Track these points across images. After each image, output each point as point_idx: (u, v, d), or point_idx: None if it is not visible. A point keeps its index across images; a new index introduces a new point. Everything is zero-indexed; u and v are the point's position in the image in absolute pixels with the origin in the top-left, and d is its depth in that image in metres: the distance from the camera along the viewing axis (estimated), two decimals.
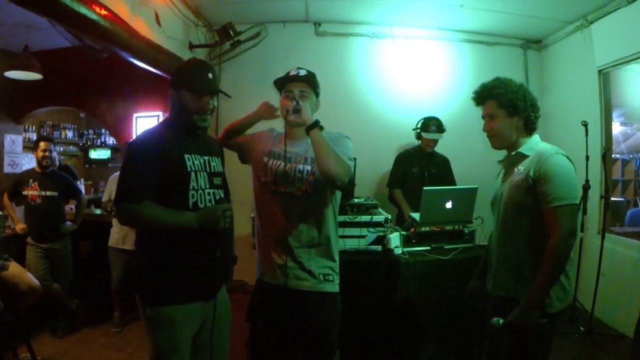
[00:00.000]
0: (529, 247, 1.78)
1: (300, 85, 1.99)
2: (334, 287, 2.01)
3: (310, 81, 2.01)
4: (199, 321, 1.82)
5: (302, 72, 2.01)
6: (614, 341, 3.40)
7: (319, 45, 4.70)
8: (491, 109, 1.85)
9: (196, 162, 1.79)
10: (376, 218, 2.84)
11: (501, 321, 1.73)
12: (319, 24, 4.68)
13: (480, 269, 2.15)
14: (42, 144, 3.65)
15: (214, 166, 1.89)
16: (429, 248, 2.89)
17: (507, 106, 1.82)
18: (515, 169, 1.84)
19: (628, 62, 3.70)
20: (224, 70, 4.64)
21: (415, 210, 2.95)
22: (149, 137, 1.79)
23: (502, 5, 4.08)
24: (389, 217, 2.91)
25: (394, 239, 2.81)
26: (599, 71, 3.97)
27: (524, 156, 1.83)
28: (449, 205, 2.87)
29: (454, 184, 3.76)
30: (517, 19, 4.33)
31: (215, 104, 1.84)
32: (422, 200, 2.85)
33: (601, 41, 3.93)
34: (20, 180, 3.69)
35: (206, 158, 1.86)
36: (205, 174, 1.81)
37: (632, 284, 3.50)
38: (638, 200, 5.30)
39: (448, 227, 2.97)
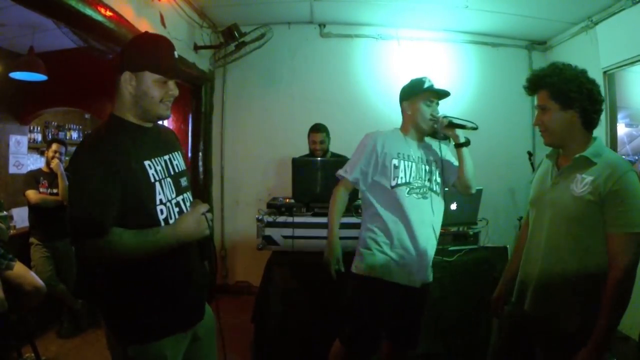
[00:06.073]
0: (578, 269, 1.57)
1: (437, 97, 2.24)
2: None
3: (443, 98, 2.26)
4: (187, 342, 1.53)
5: (441, 88, 2.23)
6: (618, 343, 3.38)
7: (323, 46, 4.69)
8: (543, 100, 1.63)
9: (158, 167, 1.43)
10: None
11: None
12: (324, 26, 4.68)
13: (509, 273, 1.95)
14: (54, 145, 3.82)
15: (176, 165, 1.54)
16: None
17: (559, 98, 1.59)
18: (578, 175, 1.57)
19: (633, 63, 3.67)
20: (229, 71, 4.65)
21: None
22: (102, 144, 1.34)
23: (507, 6, 4.07)
24: None
25: None
26: (604, 72, 3.93)
27: (590, 163, 1.55)
28: (453, 206, 2.87)
29: None
30: (521, 20, 4.32)
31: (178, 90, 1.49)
32: None
33: (606, 42, 3.90)
34: (35, 176, 3.74)
35: (167, 157, 1.50)
36: (169, 180, 1.46)
37: (636, 287, 3.45)
38: None
39: (453, 229, 2.97)
